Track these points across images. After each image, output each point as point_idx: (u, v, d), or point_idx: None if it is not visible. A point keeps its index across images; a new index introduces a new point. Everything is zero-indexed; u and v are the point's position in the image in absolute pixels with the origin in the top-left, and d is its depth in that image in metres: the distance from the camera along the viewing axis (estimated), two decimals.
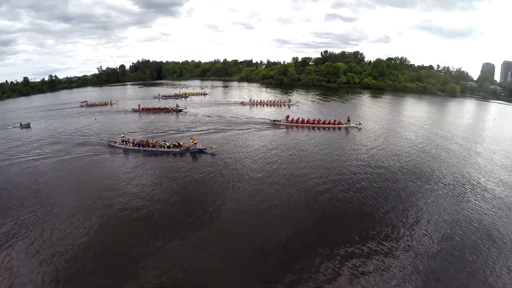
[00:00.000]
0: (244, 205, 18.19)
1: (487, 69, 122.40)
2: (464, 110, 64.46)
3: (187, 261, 13.47)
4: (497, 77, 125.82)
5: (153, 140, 30.11)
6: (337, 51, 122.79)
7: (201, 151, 27.80)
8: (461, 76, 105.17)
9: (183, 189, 20.54)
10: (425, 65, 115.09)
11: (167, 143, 29.09)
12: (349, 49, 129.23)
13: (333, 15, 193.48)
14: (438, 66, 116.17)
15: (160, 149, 28.75)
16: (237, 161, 25.47)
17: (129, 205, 18.24)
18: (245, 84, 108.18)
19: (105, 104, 62.17)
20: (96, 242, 14.92)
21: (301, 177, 22.04)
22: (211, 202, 18.57)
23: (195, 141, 28.57)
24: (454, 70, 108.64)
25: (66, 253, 14.11)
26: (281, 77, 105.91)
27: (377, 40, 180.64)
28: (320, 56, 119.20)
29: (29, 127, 42.97)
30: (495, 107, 76.55)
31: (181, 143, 29.02)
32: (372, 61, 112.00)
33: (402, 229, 15.86)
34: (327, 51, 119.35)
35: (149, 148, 29.09)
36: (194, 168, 24.28)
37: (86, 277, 12.74)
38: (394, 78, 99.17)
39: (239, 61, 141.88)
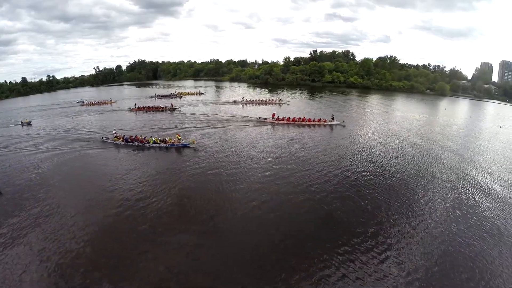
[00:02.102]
0: (225, 198, 19.14)
1: (483, 69, 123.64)
2: (442, 108, 67.02)
3: (183, 260, 13.71)
4: (495, 76, 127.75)
5: (140, 136, 32.43)
6: (332, 51, 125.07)
7: (185, 146, 30.13)
8: (454, 75, 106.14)
9: (170, 182, 21.61)
10: (426, 65, 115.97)
11: (153, 138, 31.47)
12: (350, 49, 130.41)
13: (333, 15, 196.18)
14: (429, 64, 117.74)
15: (147, 144, 31.13)
16: (218, 154, 27.53)
17: (121, 199, 19.03)
18: (235, 84, 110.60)
19: (105, 103, 65.12)
20: (87, 237, 15.32)
21: (281, 170, 23.46)
22: (199, 197, 19.50)
23: (180, 137, 30.94)
24: (448, 69, 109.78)
25: (58, 249, 14.41)
26: (266, 77, 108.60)
27: (377, 40, 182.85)
28: (309, 55, 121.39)
29: (30, 124, 45.09)
30: (483, 106, 78.04)
31: (167, 139, 31.37)
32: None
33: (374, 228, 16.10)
34: (316, 50, 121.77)
35: (138, 144, 31.42)
36: (179, 161, 26.41)
37: (80, 274, 12.74)
38: (380, 77, 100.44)
39: (234, 61, 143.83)
